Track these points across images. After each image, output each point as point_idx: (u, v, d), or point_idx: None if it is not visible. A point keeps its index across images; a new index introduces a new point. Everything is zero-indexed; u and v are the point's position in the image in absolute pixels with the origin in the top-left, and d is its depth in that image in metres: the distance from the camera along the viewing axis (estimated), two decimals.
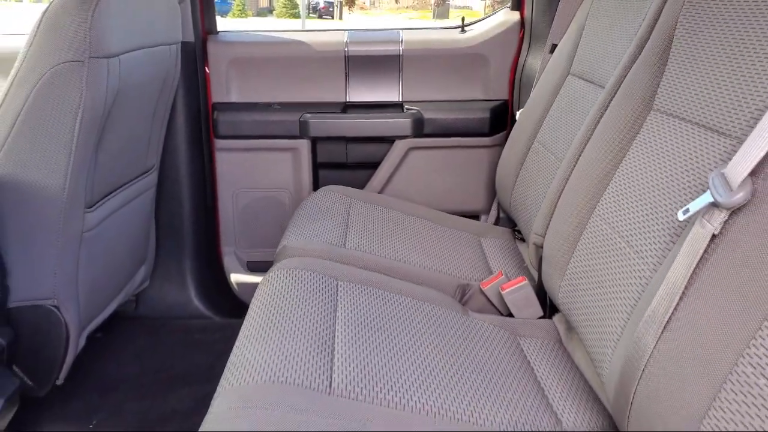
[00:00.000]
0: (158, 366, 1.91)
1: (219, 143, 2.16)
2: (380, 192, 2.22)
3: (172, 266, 2.17)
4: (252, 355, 1.06)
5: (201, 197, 2.16)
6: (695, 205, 0.86)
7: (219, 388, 1.02)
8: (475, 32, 2.23)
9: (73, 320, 1.55)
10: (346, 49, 2.16)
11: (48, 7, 1.40)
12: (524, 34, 2.18)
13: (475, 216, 2.28)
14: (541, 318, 1.49)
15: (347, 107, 2.18)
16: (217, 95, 2.15)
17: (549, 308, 1.49)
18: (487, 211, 2.27)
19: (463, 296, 1.58)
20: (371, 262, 1.55)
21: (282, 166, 2.20)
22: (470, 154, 2.22)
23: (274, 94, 2.17)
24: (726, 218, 0.81)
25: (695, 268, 0.84)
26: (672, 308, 0.86)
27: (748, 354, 0.72)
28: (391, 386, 1.04)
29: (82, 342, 1.65)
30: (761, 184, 0.78)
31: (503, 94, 2.21)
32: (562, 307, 1.29)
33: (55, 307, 1.51)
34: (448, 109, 2.17)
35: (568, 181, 1.38)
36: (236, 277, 2.28)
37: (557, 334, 1.38)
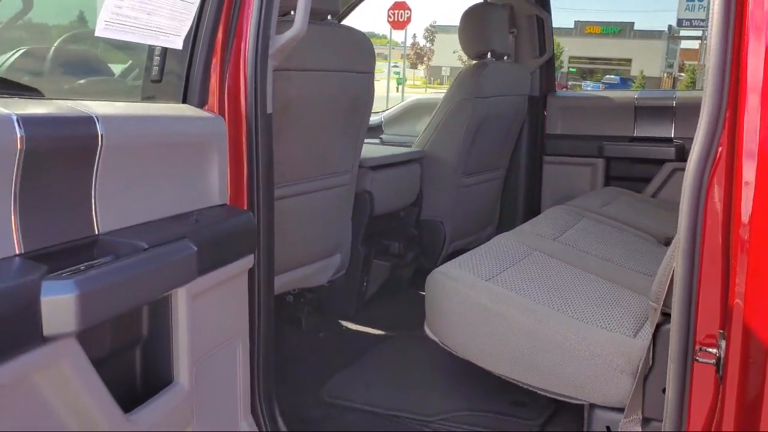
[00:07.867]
0: None
1: (546, 159, 3.44)
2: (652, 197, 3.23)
3: None
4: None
5: (531, 193, 3.45)
6: None
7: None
8: None
9: (449, 232, 3.00)
10: (636, 103, 3.26)
11: (459, 74, 2.92)
12: None
13: None
14: None
15: (633, 139, 3.26)
16: (549, 129, 3.44)
17: None
18: None
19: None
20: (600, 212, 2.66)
21: (584, 177, 3.36)
22: None
23: (584, 128, 3.37)
24: None
25: None
26: None
27: None
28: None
29: (451, 249, 3.08)
30: None
31: None
32: None
33: (441, 222, 2.98)
34: None
35: None
36: None
37: None
